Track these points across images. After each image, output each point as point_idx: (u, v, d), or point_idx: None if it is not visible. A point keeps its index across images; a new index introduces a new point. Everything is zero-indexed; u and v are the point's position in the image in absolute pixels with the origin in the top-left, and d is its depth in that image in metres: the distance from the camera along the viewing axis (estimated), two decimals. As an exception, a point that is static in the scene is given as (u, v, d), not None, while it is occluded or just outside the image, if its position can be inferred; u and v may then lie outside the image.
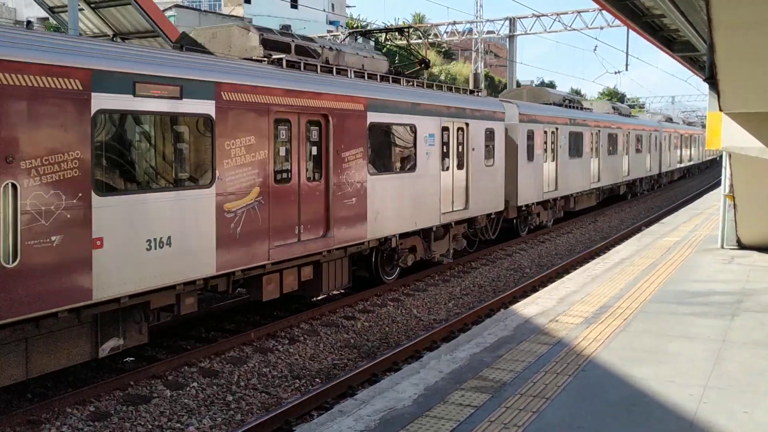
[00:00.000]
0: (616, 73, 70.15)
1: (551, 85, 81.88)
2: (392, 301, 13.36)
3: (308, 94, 11.01)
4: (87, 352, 8.21)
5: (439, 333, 11.16)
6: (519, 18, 45.12)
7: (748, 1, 6.81)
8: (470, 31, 46.41)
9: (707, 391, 6.20)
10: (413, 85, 14.71)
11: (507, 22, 45.31)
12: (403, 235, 13.89)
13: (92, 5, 17.09)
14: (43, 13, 22.08)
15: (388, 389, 6.27)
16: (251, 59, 11.02)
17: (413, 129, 13.93)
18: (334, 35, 50.43)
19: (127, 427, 7.70)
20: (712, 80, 10.94)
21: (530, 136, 20.36)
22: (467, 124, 16.05)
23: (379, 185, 12.79)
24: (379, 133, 13.02)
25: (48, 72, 7.30)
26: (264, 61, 11.12)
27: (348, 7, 77.94)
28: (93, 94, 7.75)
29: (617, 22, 29.87)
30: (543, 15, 43.76)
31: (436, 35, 48.15)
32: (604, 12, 36.69)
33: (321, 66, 11.96)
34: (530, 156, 20.33)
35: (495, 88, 58.48)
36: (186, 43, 10.41)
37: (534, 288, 14.06)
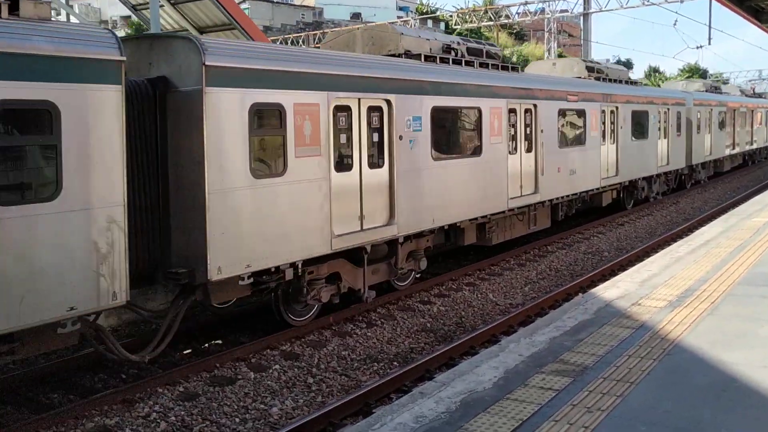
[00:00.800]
0: (698, 47, 67.03)
1: (627, 64, 78.98)
2: (468, 285, 13.33)
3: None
4: None
5: (516, 317, 11.08)
6: (593, -6, 43.80)
7: None
8: (542, 11, 45.23)
9: (803, 377, 5.92)
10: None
11: (581, 0, 44.04)
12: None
13: (171, 1, 17.68)
14: (126, 12, 22.94)
15: (467, 372, 6.27)
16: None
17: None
18: (404, 21, 50.21)
19: (215, 407, 8.00)
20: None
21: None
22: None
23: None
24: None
25: None
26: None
27: (418, -8, 77.51)
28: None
29: (699, -6, 28.56)
30: (619, -10, 42.24)
31: (507, 16, 47.22)
32: (684, -16, 35.15)
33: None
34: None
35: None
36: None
37: (613, 272, 13.72)
